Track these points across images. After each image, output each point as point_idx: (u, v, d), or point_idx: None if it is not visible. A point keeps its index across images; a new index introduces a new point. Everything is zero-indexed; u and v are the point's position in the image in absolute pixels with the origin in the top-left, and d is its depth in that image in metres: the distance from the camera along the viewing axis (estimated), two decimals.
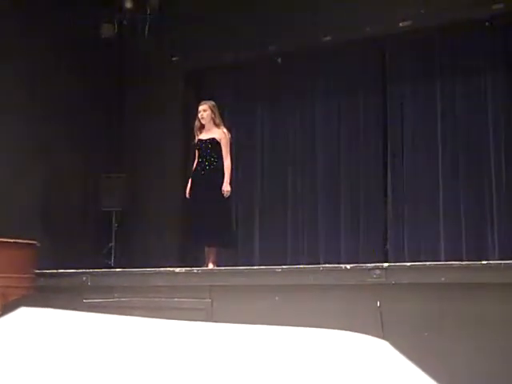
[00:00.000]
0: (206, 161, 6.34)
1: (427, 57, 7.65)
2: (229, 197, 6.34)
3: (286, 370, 1.10)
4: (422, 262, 4.78)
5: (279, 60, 8.21)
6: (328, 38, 7.72)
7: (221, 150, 6.33)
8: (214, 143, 6.33)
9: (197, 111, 6.44)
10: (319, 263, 5.68)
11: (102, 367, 1.15)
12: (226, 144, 6.35)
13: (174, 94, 8.64)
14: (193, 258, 7.27)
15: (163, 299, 5.18)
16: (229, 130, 6.51)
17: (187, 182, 6.55)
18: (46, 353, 1.21)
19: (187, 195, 6.48)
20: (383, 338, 1.34)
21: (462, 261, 5.41)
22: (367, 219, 7.82)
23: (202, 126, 6.42)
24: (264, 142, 8.57)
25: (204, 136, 6.40)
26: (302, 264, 6.13)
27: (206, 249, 6.43)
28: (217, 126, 6.40)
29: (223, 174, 6.28)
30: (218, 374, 1.09)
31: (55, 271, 5.84)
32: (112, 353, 1.20)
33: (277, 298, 4.75)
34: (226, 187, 6.25)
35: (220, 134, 6.36)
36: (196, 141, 6.45)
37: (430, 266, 4.42)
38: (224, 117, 6.59)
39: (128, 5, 7.90)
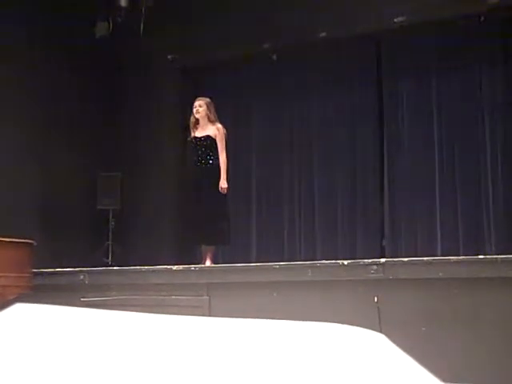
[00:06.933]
0: (202, 159, 6.32)
1: (423, 52, 7.65)
2: (226, 195, 6.30)
3: (284, 362, 1.11)
4: (419, 257, 4.78)
5: (274, 57, 8.20)
6: (323, 34, 7.71)
7: (217, 148, 6.29)
8: (210, 141, 6.29)
9: (192, 107, 6.43)
10: (316, 259, 5.68)
11: (98, 361, 1.15)
12: (222, 139, 6.31)
13: (170, 92, 8.63)
14: (190, 256, 7.28)
15: (161, 297, 5.18)
16: (224, 126, 6.48)
17: (185, 176, 6.52)
18: (41, 348, 1.22)
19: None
20: (381, 333, 1.34)
21: (458, 256, 5.43)
22: (364, 215, 7.83)
23: (197, 122, 6.40)
24: (261, 139, 8.56)
25: (199, 133, 6.36)
26: (300, 260, 6.14)
27: (203, 246, 6.42)
28: (211, 122, 6.36)
29: (220, 172, 6.26)
30: (216, 367, 1.10)
31: (53, 270, 5.84)
32: (107, 347, 1.20)
33: (275, 294, 4.75)
34: (223, 184, 6.21)
35: (214, 130, 6.32)
36: (191, 138, 6.42)
37: (427, 261, 4.42)
38: (221, 114, 6.58)
39: (123, 3, 7.88)
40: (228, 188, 6.26)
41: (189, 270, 5.33)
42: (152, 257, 6.93)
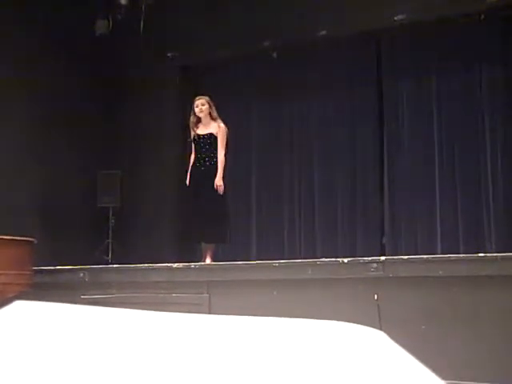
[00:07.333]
0: (206, 156, 6.31)
1: (423, 51, 7.65)
2: (226, 193, 6.30)
3: (284, 360, 1.11)
4: (419, 255, 4.79)
5: (274, 55, 8.20)
6: (324, 33, 7.71)
7: None
8: (213, 138, 6.29)
9: (192, 106, 6.43)
10: (316, 257, 5.68)
11: (98, 358, 1.16)
12: (223, 137, 6.31)
13: (170, 90, 8.62)
14: (190, 254, 7.28)
15: (161, 295, 5.19)
16: (225, 123, 6.47)
17: (186, 175, 6.51)
18: (42, 345, 1.22)
19: (188, 184, 6.45)
20: (381, 330, 1.34)
21: (459, 254, 5.43)
22: (364, 214, 7.82)
23: (199, 121, 6.39)
24: (260, 138, 8.56)
25: (202, 131, 6.37)
26: (300, 258, 6.14)
27: (203, 244, 6.42)
28: (214, 120, 6.37)
29: None
30: (216, 365, 1.10)
31: (53, 268, 5.85)
32: (108, 345, 1.20)
33: (275, 292, 4.76)
34: (219, 182, 6.19)
35: (216, 128, 6.33)
36: (193, 135, 6.41)
37: (427, 259, 4.43)
38: (221, 113, 6.58)
39: (123, 1, 7.88)
40: (225, 186, 6.25)
41: (189, 267, 5.34)
42: (152, 255, 6.93)
